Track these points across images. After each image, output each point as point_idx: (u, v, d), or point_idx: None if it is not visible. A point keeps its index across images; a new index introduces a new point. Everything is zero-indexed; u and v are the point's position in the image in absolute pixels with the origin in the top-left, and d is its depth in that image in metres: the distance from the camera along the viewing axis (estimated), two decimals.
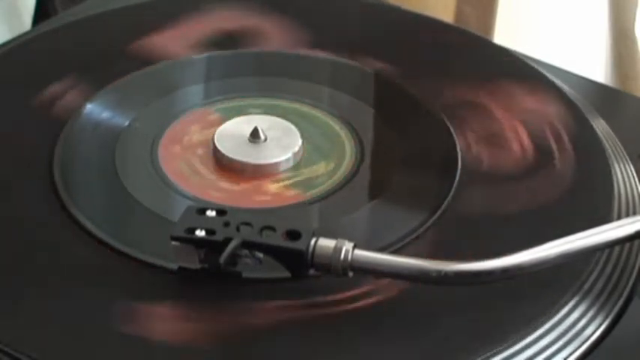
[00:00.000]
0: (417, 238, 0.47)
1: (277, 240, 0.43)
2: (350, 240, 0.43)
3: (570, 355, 0.43)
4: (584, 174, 0.51)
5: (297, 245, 0.43)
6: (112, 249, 0.46)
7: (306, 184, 0.51)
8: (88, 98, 0.55)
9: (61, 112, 0.54)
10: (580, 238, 0.43)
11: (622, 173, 0.51)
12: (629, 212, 0.49)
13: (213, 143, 0.52)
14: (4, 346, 0.41)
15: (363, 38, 0.61)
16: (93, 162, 0.52)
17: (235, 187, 0.50)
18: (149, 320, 0.43)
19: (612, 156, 0.52)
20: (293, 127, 0.53)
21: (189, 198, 0.49)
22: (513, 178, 0.51)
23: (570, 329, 0.43)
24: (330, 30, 0.61)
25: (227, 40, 0.60)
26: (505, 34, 0.88)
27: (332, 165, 0.52)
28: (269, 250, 0.43)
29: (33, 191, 0.49)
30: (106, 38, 0.60)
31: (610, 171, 0.50)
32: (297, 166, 0.52)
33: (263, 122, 0.53)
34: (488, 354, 0.41)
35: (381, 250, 0.45)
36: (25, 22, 0.80)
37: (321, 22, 0.62)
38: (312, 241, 0.43)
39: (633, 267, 0.47)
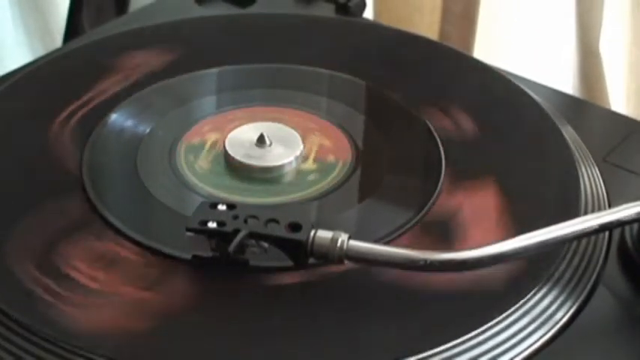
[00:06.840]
0: (406, 231, 0.47)
1: (281, 231, 0.44)
2: (346, 232, 0.43)
3: (542, 337, 0.43)
4: (555, 175, 0.51)
5: (298, 236, 0.43)
6: (133, 241, 0.46)
7: (307, 183, 0.51)
8: (113, 108, 0.55)
9: (89, 119, 0.54)
10: (550, 232, 0.43)
11: (588, 174, 0.52)
12: (595, 208, 0.50)
13: (224, 148, 0.52)
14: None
15: (359, 54, 0.61)
16: (117, 164, 0.52)
17: (243, 186, 0.51)
18: (165, 302, 0.43)
19: (579, 159, 0.52)
20: (295, 132, 0.53)
21: (202, 195, 0.49)
22: (491, 179, 0.51)
23: (542, 314, 0.44)
24: (330, 48, 0.61)
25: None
26: (484, 51, 0.87)
27: (330, 167, 0.52)
28: (273, 240, 0.44)
29: (65, 189, 0.50)
30: (126, 54, 0.60)
31: (577, 172, 0.51)
32: (298, 168, 0.52)
33: (268, 129, 0.53)
34: (468, 336, 0.42)
35: (374, 241, 0.45)
36: (57, 39, 0.80)
37: (323, 41, 0.62)
38: (312, 233, 0.43)
39: (599, 258, 0.47)
